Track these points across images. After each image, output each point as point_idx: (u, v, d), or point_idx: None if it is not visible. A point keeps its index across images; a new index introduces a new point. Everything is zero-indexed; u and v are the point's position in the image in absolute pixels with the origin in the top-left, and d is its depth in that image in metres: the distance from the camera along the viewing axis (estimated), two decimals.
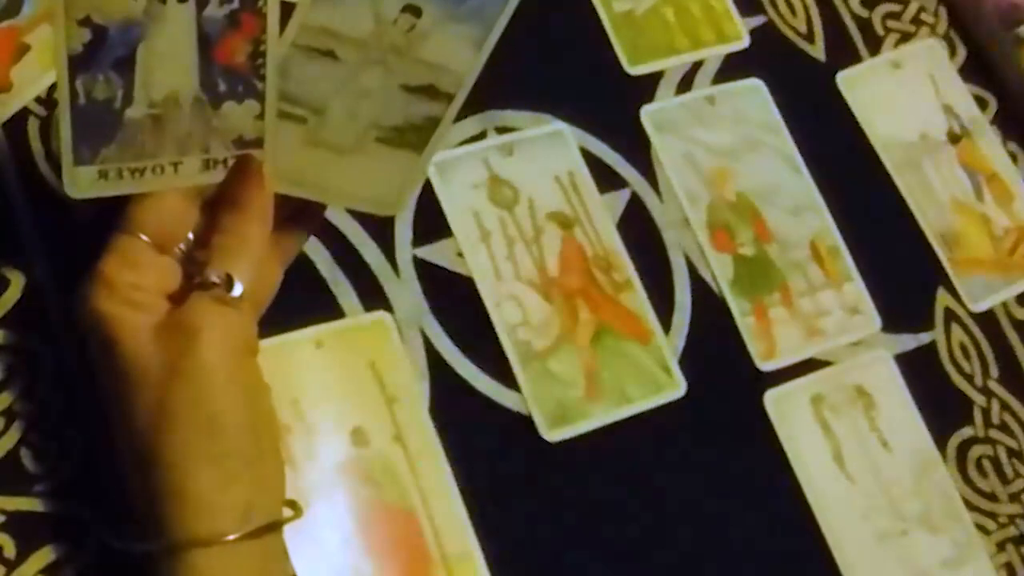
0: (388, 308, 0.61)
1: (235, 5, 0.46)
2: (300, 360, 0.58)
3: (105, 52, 0.45)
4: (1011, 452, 0.71)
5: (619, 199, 0.68)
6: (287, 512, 0.50)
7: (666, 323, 0.66)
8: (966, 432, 0.70)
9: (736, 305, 0.68)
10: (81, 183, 0.47)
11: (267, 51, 0.48)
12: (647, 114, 0.71)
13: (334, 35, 0.48)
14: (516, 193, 0.66)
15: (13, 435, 0.53)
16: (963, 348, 0.72)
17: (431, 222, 0.64)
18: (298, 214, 0.55)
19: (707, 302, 0.68)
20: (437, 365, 0.61)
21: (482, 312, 0.63)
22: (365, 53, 0.49)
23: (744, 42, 0.75)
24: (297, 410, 0.57)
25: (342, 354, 0.59)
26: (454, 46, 0.50)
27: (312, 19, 0.48)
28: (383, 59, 0.50)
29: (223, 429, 0.47)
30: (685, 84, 0.73)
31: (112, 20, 0.44)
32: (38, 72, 0.59)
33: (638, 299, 0.66)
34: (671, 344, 0.66)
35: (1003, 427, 0.71)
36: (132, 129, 0.47)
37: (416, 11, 0.48)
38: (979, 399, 0.71)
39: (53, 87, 0.59)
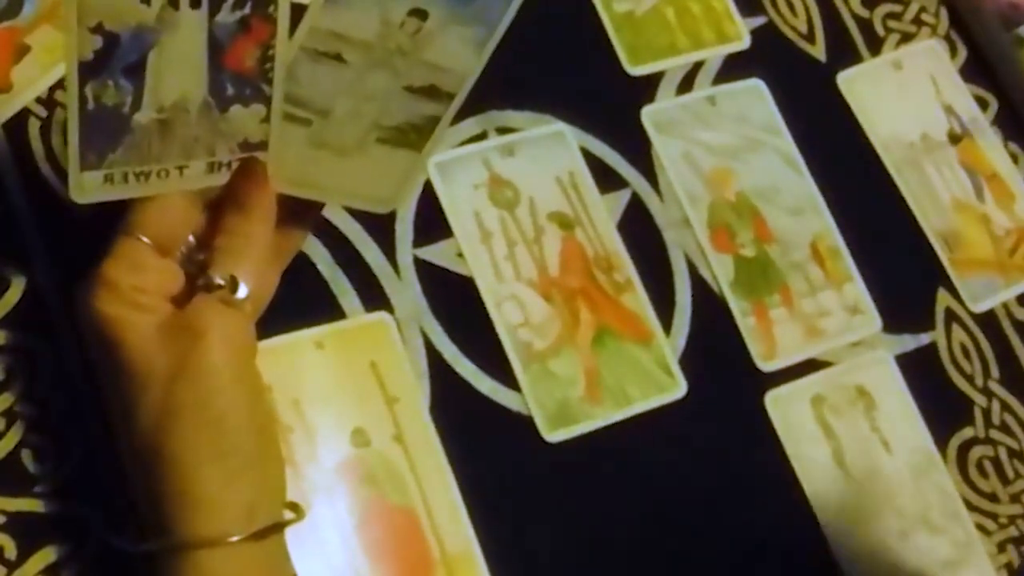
0: (389, 308, 0.61)
1: (246, 10, 0.46)
2: (301, 361, 0.58)
3: (116, 58, 0.44)
4: (1012, 453, 0.71)
5: (619, 199, 0.68)
6: (289, 514, 0.51)
7: (667, 324, 0.66)
8: (967, 433, 0.70)
9: (736, 305, 0.68)
10: (87, 188, 0.47)
11: (276, 55, 0.48)
12: (647, 114, 0.71)
13: (341, 38, 0.48)
14: (517, 193, 0.66)
15: (13, 436, 0.53)
16: (963, 348, 0.72)
17: (432, 223, 0.64)
18: (295, 214, 0.55)
19: (707, 303, 0.68)
20: (437, 365, 0.61)
21: (482, 312, 0.63)
22: (371, 56, 0.49)
23: (745, 42, 0.75)
24: (298, 410, 0.57)
25: (343, 354, 0.59)
26: (457, 47, 0.50)
27: (320, 23, 0.47)
28: (389, 61, 0.50)
29: (228, 429, 0.47)
30: (686, 84, 0.73)
31: (124, 27, 0.44)
32: (38, 73, 0.58)
33: (639, 300, 0.66)
34: (672, 345, 0.66)
35: (1004, 428, 0.71)
36: (140, 134, 0.47)
37: (422, 14, 0.48)
38: (980, 399, 0.71)
39: (54, 88, 0.59)
